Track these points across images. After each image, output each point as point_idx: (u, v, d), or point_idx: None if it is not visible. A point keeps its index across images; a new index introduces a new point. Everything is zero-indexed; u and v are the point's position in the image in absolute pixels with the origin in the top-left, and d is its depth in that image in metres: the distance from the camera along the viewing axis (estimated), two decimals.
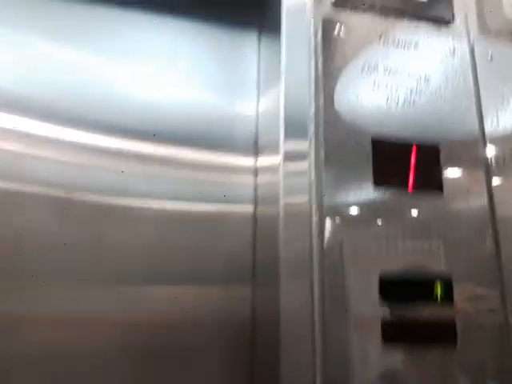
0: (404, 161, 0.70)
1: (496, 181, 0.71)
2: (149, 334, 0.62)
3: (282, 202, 0.54)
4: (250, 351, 0.65)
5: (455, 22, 0.86)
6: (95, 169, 0.66)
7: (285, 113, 0.59)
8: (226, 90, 0.75)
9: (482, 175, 0.71)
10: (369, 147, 0.66)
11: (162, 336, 0.62)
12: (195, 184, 0.68)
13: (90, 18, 0.73)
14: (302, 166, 0.57)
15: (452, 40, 0.85)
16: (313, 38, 0.75)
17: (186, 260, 0.65)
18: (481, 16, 0.87)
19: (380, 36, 0.80)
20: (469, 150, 0.73)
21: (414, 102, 0.78)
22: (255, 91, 0.76)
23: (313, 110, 0.61)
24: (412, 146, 0.73)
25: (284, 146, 0.57)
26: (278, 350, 0.52)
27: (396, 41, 0.81)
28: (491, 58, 0.85)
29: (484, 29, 0.86)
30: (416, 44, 0.82)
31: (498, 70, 0.85)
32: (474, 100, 0.82)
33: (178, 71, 0.74)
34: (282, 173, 0.55)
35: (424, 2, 0.84)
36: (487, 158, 0.73)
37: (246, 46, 0.80)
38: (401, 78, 0.79)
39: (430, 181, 0.69)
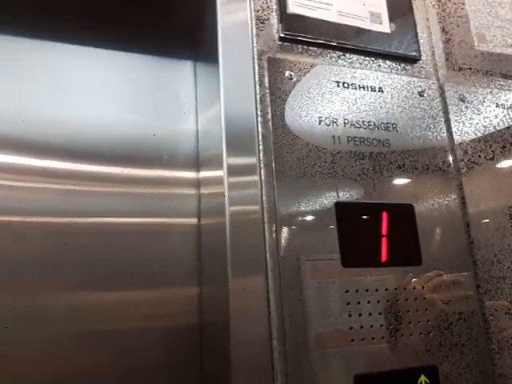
0: None
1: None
2: (95, 340, 0.64)
3: (227, 211, 0.56)
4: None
5: (422, 59, 0.75)
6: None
7: (226, 132, 0.60)
8: (166, 112, 0.79)
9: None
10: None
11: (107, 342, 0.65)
12: (140, 198, 0.72)
13: (25, 50, 0.75)
14: (251, 178, 0.59)
15: (420, 80, 0.73)
16: (257, 74, 0.64)
17: (130, 269, 0.68)
18: (448, 50, 0.77)
19: (337, 82, 0.67)
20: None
21: (376, 153, 0.66)
22: (193, 112, 0.80)
23: (260, 137, 0.61)
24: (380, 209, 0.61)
25: (228, 159, 0.58)
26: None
27: (356, 85, 0.69)
28: (462, 98, 0.74)
29: (453, 65, 0.76)
30: (380, 88, 0.70)
31: (471, 111, 0.74)
32: (447, 144, 0.70)
33: (119, 97, 0.78)
34: (227, 185, 0.57)
35: (387, 35, 0.73)
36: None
37: (182, 71, 0.84)
38: (363, 130, 0.67)
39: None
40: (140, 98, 0.78)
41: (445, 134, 0.72)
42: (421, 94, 0.73)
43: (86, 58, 0.77)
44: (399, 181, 0.66)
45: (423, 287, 0.61)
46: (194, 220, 0.73)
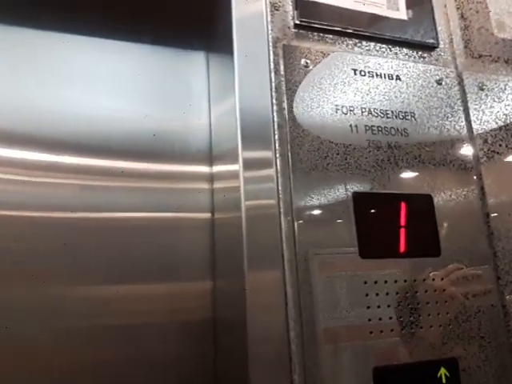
0: None
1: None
2: (109, 334, 0.63)
3: (243, 205, 0.55)
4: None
5: (440, 47, 0.73)
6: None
7: (241, 125, 0.58)
8: (178, 105, 0.77)
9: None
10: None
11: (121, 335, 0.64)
12: (151, 193, 0.71)
13: (30, 42, 0.73)
14: (266, 172, 0.57)
15: (437, 68, 0.72)
16: (272, 62, 0.62)
17: (144, 264, 0.67)
18: (467, 38, 0.75)
19: (354, 70, 0.66)
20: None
21: (394, 142, 0.64)
22: (206, 105, 0.78)
23: (276, 123, 0.60)
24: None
25: (243, 153, 0.57)
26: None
27: (373, 73, 0.67)
28: (482, 86, 0.72)
29: (472, 53, 0.74)
30: (397, 76, 0.69)
31: (491, 99, 0.72)
32: (465, 133, 0.69)
33: (129, 89, 0.76)
34: (243, 179, 0.55)
35: (404, 22, 0.71)
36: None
37: (194, 63, 0.81)
38: (381, 119, 0.65)
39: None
40: (151, 91, 0.77)
41: (463, 123, 0.70)
42: (439, 82, 0.71)
43: (95, 49, 0.76)
44: (416, 171, 0.65)
45: (442, 279, 0.60)
46: (208, 215, 0.72)
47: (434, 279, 0.60)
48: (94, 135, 0.71)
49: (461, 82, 0.72)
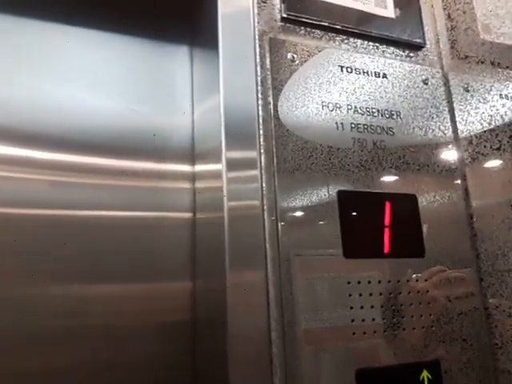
0: None
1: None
2: (84, 335, 0.61)
3: (226, 206, 0.54)
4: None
5: (426, 47, 0.73)
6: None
7: (225, 123, 0.57)
8: (160, 102, 0.75)
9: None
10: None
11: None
12: (131, 191, 0.69)
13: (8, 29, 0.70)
14: (250, 172, 0.56)
15: (423, 68, 0.71)
16: (258, 55, 0.61)
17: (122, 263, 0.65)
18: (454, 38, 0.74)
19: (341, 67, 0.65)
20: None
21: (380, 141, 0.63)
22: (189, 102, 0.75)
23: (261, 121, 0.59)
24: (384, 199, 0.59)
25: (227, 153, 0.56)
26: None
27: (360, 71, 0.66)
28: (467, 87, 0.72)
29: (459, 53, 0.74)
30: (384, 74, 0.68)
31: (477, 100, 0.72)
32: (450, 134, 0.68)
33: (109, 85, 0.74)
34: (226, 179, 0.54)
35: (391, 20, 0.70)
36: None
37: (177, 57, 0.79)
38: (367, 117, 0.64)
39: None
40: (133, 86, 0.74)
41: (449, 123, 0.70)
42: (425, 82, 0.71)
43: (75, 39, 0.73)
44: (400, 172, 0.64)
45: (426, 281, 0.59)
46: (189, 214, 0.70)
47: (417, 280, 0.59)
48: (72, 130, 0.68)
49: (446, 83, 0.72)
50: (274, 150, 0.57)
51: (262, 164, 0.57)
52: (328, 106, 0.62)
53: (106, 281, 0.64)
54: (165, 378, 0.63)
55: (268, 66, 0.61)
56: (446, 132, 0.69)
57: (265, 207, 0.55)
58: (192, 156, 0.72)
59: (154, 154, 0.72)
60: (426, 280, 0.59)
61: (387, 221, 0.59)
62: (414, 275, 0.59)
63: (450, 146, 0.69)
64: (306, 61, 0.63)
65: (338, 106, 0.63)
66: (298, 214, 0.57)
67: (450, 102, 0.71)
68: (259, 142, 0.57)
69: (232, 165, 0.55)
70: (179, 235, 0.69)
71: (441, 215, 0.64)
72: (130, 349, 0.62)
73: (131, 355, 0.62)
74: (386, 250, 0.58)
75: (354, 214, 0.58)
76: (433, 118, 0.69)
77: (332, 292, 0.55)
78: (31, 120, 0.66)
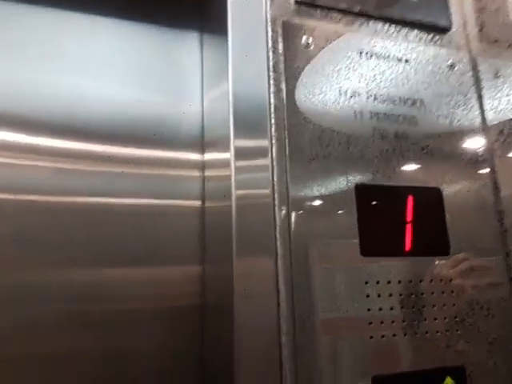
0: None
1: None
2: (89, 321, 0.60)
3: (234, 195, 0.52)
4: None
5: (452, 30, 0.68)
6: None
7: (234, 111, 0.55)
8: (169, 88, 0.74)
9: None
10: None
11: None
12: (141, 179, 0.69)
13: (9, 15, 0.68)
14: (261, 161, 0.54)
15: (449, 52, 0.66)
16: (270, 40, 0.57)
17: (132, 250, 0.65)
18: (482, 21, 0.69)
19: (360, 52, 0.61)
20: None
21: (402, 131, 0.59)
22: (199, 89, 0.73)
23: (273, 109, 0.56)
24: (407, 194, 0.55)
25: (236, 141, 0.54)
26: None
27: (380, 56, 0.62)
28: (497, 73, 0.67)
29: (488, 37, 0.68)
30: (406, 59, 0.63)
31: (508, 87, 0.67)
32: (478, 123, 0.64)
33: (117, 73, 0.72)
34: (234, 168, 0.53)
35: (415, 2, 0.65)
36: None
37: (187, 44, 0.76)
38: (388, 105, 0.60)
39: None
40: (142, 73, 0.72)
41: (477, 111, 0.65)
42: (451, 67, 0.66)
43: (81, 25, 0.71)
44: (424, 164, 0.60)
45: (450, 280, 0.55)
46: (198, 202, 0.68)
47: (441, 280, 0.55)
48: (78, 118, 0.67)
49: (475, 68, 0.67)
50: (287, 138, 0.54)
51: (274, 153, 0.54)
52: (346, 93, 0.58)
53: (115, 266, 0.64)
54: (170, 367, 0.62)
55: (281, 51, 0.57)
56: (473, 121, 0.65)
57: (276, 196, 0.52)
58: (202, 144, 0.70)
59: (163, 143, 0.70)
60: (450, 280, 0.55)
61: (409, 216, 0.55)
62: (438, 273, 0.55)
63: (478, 136, 0.64)
64: (323, 46, 0.59)
65: (357, 93, 0.59)
66: (314, 203, 0.54)
67: (478, 89, 0.66)
68: (270, 130, 0.54)
69: (241, 153, 0.53)
70: (188, 223, 0.67)
71: (467, 210, 0.60)
72: (134, 336, 0.61)
73: (140, 341, 0.61)
74: (408, 247, 0.54)
75: (373, 209, 0.54)
76: (459, 105, 0.65)
77: (349, 287, 0.51)
78: (37, 107, 0.65)
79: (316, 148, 0.55)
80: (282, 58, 0.57)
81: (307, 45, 0.58)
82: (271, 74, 0.56)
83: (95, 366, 0.59)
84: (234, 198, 0.51)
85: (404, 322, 0.52)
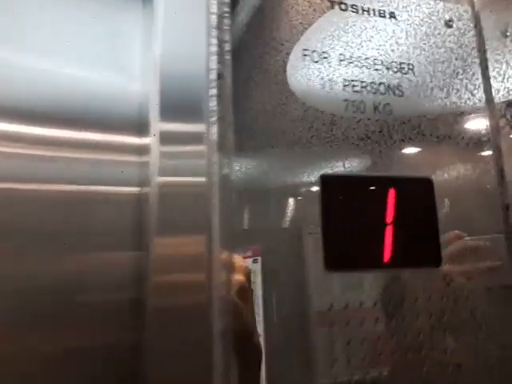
0: None
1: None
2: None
3: (157, 181, 0.43)
4: None
5: None
6: None
7: (161, 85, 0.45)
8: (107, 65, 0.61)
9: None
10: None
11: None
12: (73, 164, 0.57)
13: None
14: (194, 147, 0.44)
15: (447, 6, 0.53)
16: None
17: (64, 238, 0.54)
18: None
19: (332, 2, 0.47)
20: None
21: (384, 104, 0.46)
22: (139, 64, 0.61)
23: (214, 76, 0.44)
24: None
25: (161, 124, 0.44)
26: None
27: (357, 8, 0.48)
28: (506, 31, 0.53)
29: None
30: (391, 13, 0.50)
31: None
32: (481, 96, 0.51)
33: (48, 42, 0.59)
34: (159, 154, 0.44)
35: None
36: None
37: (131, 13, 0.62)
38: (366, 71, 0.47)
39: None
40: (79, 45, 0.60)
41: (479, 80, 0.52)
42: (448, 24, 0.52)
43: None
44: (413, 146, 0.47)
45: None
46: (136, 189, 0.58)
47: (430, 297, 0.43)
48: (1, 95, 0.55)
49: (477, 25, 0.53)
50: (232, 114, 0.41)
51: (214, 135, 0.41)
52: (311, 56, 0.45)
53: (43, 255, 0.54)
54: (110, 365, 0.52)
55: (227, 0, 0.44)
56: (475, 92, 0.51)
57: (215, 184, 0.40)
58: (139, 127, 0.58)
59: (97, 124, 0.59)
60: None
61: (390, 216, 0.42)
62: (427, 289, 0.43)
63: (481, 112, 0.51)
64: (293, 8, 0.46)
65: (325, 55, 0.45)
66: (266, 199, 0.41)
67: (482, 52, 0.53)
68: (209, 105, 0.41)
69: (168, 137, 0.41)
70: (124, 210, 0.58)
71: (466, 206, 0.47)
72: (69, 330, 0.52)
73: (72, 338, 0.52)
74: (387, 257, 0.41)
75: (342, 207, 0.41)
76: (458, 73, 0.52)
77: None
78: None
79: (268, 124, 0.42)
80: (226, 9, 0.43)
81: None
82: (213, 30, 0.43)
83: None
84: (157, 185, 0.40)
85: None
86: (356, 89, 0.45)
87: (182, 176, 0.42)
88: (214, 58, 0.43)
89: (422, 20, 0.52)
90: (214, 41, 0.43)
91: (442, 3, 0.54)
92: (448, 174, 0.48)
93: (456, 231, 0.45)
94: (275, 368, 0.39)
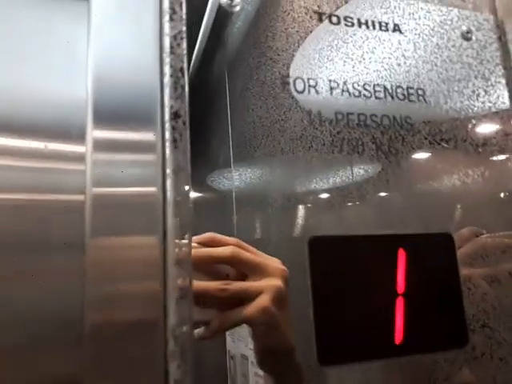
0: None
1: None
2: None
3: (91, 191, 0.37)
4: None
5: None
6: None
7: (94, 99, 0.37)
8: (55, 69, 0.56)
9: None
10: None
11: None
12: (16, 172, 0.56)
13: None
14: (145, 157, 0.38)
15: (463, 14, 0.44)
16: None
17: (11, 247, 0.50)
18: None
19: (320, 14, 0.38)
20: None
21: (389, 139, 0.38)
22: (84, 65, 0.55)
23: (167, 70, 0.34)
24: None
25: (95, 131, 0.37)
26: None
27: (352, 21, 0.40)
28: None
29: None
30: (396, 26, 0.41)
31: None
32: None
33: None
34: (91, 162, 0.37)
35: None
36: None
37: (75, 13, 0.58)
38: (364, 101, 0.38)
39: None
40: (21, 48, 0.55)
41: (506, 104, 0.43)
42: (466, 36, 0.43)
43: None
44: (423, 195, 0.38)
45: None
46: (81, 197, 0.53)
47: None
48: None
49: (502, 36, 0.44)
50: (187, 115, 0.33)
51: (167, 139, 0.33)
52: (294, 84, 0.36)
53: None
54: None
55: None
56: (502, 117, 0.42)
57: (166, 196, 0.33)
58: (80, 134, 0.54)
59: (42, 132, 0.55)
60: None
61: (401, 284, 0.33)
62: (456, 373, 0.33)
63: (508, 143, 0.42)
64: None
65: (313, 82, 0.36)
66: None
67: (509, 69, 0.43)
68: (162, 102, 0.33)
69: (101, 146, 0.34)
70: (68, 218, 0.54)
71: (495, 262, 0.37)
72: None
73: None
74: (399, 339, 0.32)
75: (338, 279, 0.32)
76: (479, 94, 0.43)
77: None
78: None
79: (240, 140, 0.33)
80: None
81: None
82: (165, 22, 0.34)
83: None
84: (89, 195, 0.34)
85: None
86: (353, 123, 0.36)
87: (115, 186, 0.37)
88: (167, 59, 0.35)
89: (432, 30, 0.43)
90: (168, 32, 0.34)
91: (455, 10, 0.45)
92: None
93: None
94: None
